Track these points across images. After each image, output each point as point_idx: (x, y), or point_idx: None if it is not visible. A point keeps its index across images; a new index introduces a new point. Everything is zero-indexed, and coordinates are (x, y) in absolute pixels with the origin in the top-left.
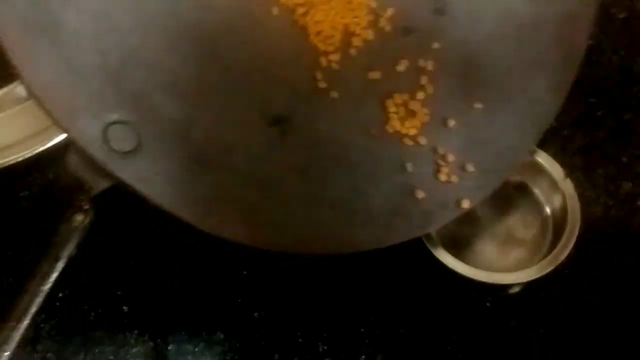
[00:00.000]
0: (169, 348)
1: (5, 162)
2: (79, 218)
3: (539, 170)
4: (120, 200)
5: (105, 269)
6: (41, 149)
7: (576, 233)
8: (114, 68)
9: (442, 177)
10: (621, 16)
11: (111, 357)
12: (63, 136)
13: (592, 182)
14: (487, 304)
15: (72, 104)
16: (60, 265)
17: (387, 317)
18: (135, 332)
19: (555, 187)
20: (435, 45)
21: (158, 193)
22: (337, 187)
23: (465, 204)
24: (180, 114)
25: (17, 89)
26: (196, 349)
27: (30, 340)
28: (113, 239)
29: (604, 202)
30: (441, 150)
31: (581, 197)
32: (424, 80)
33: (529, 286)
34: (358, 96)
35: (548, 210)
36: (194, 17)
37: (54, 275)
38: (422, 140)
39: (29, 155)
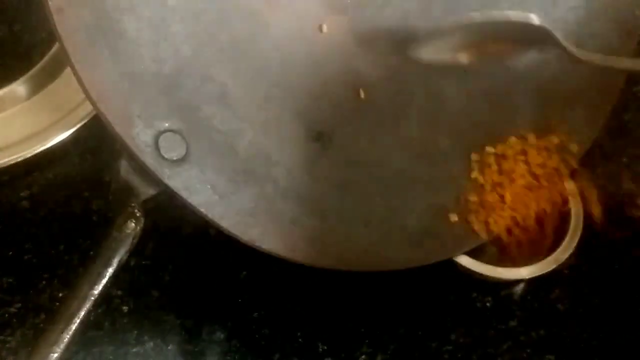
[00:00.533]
0: (169, 348)
1: (5, 162)
2: (132, 225)
3: None
4: None
5: None
6: (41, 149)
7: (579, 232)
8: (168, 77)
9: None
10: None
11: (111, 357)
12: (63, 136)
13: (592, 182)
14: (488, 304)
15: (127, 110)
16: (110, 271)
17: (387, 316)
18: (135, 332)
19: None
20: (477, 68)
21: (202, 202)
22: (373, 205)
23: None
24: (228, 125)
25: (17, 89)
26: (196, 349)
27: (31, 341)
28: None
29: (604, 202)
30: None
31: (581, 197)
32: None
33: (529, 286)
34: (399, 116)
35: None
36: (246, 30)
37: (104, 281)
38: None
39: (29, 155)
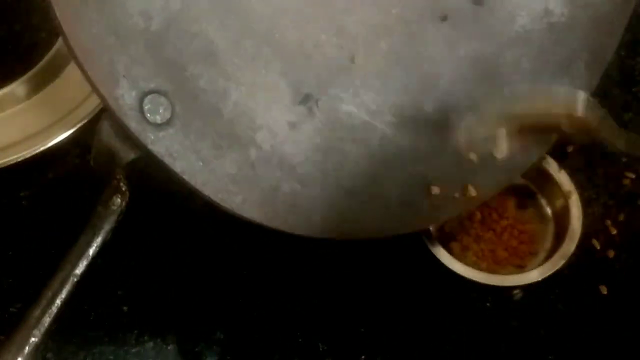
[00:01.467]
0: (168, 348)
1: (5, 162)
2: (117, 201)
3: (540, 172)
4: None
5: (105, 269)
6: (41, 149)
7: (577, 238)
8: (156, 33)
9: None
10: None
11: (111, 357)
12: (63, 136)
13: (592, 182)
14: (488, 304)
15: (112, 69)
16: (94, 250)
17: (387, 317)
18: (135, 332)
19: (558, 189)
20: (469, 34)
21: (185, 169)
22: (355, 172)
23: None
24: (214, 85)
25: (17, 89)
26: (196, 349)
27: None
28: (113, 238)
29: (604, 202)
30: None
31: (581, 197)
32: None
33: (529, 286)
34: (387, 78)
35: (549, 211)
36: None
37: (86, 262)
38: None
39: (29, 155)
